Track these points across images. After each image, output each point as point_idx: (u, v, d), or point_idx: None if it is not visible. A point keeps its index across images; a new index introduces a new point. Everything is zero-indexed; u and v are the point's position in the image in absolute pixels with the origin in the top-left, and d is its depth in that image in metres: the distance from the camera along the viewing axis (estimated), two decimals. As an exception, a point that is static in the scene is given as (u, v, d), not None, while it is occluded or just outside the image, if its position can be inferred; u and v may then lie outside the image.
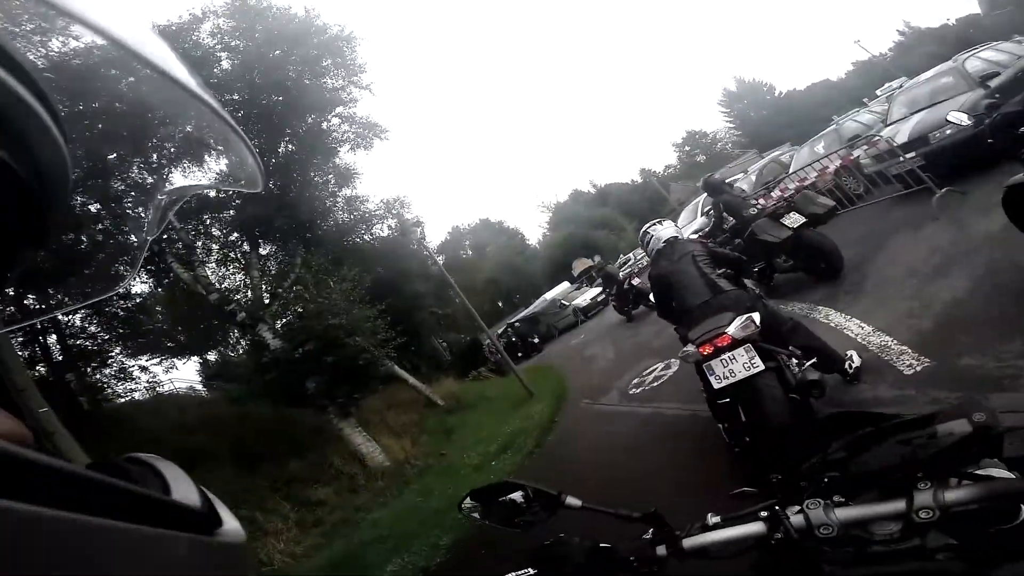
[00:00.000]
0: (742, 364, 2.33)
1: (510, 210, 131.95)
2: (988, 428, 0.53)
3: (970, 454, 0.57)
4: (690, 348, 2.50)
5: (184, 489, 0.29)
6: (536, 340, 16.33)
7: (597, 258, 30.38)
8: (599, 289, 17.43)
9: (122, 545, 0.20)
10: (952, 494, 0.56)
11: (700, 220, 11.72)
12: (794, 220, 4.48)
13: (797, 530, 0.62)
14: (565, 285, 22.42)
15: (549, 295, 19.47)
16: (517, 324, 18.25)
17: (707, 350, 2.40)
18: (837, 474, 0.63)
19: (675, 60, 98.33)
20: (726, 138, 51.32)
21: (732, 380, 2.36)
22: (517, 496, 0.87)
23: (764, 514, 0.67)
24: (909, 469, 0.58)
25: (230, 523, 0.30)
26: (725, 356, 2.37)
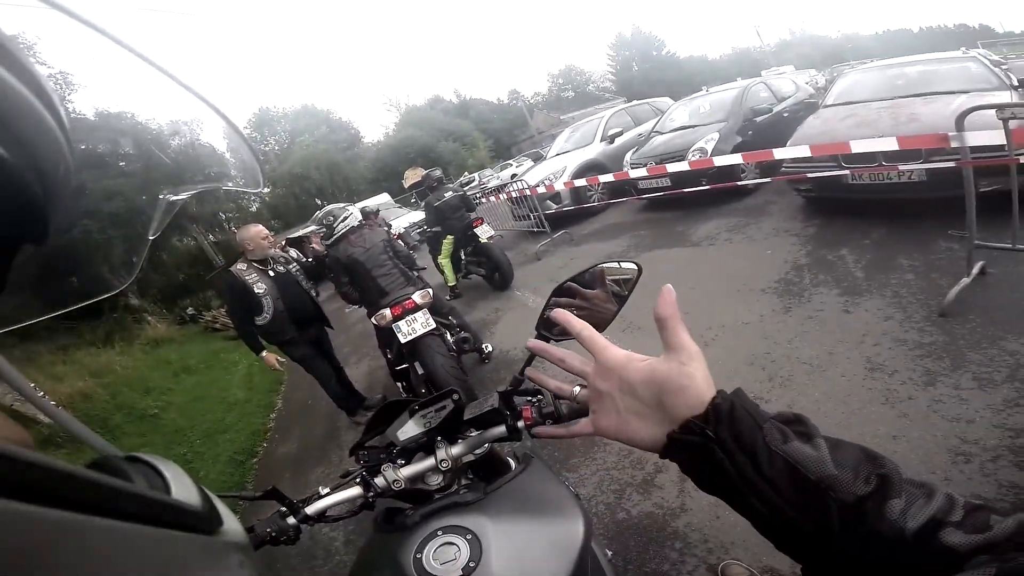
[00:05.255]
0: (421, 323, 3.37)
1: (350, 105, 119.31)
2: (460, 403, 0.94)
3: (460, 422, 0.94)
4: (386, 312, 3.38)
5: (184, 489, 0.31)
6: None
7: (438, 171, 29.35)
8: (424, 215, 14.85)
9: (122, 545, 0.22)
10: (456, 448, 0.92)
11: (599, 145, 8.72)
12: (485, 231, 6.08)
13: (380, 488, 0.92)
14: (385, 197, 20.15)
15: (356, 206, 14.65)
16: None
17: (397, 311, 3.36)
18: (396, 446, 0.97)
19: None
20: (600, 81, 56.14)
21: (414, 336, 3.35)
22: None
23: (358, 480, 0.95)
24: (431, 434, 0.94)
25: (231, 523, 0.33)
26: (409, 317, 3.37)
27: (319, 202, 26.45)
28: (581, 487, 2.55)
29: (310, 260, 4.27)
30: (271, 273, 3.77)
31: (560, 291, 0.93)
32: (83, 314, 11.67)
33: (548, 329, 0.91)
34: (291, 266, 3.93)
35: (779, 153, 4.44)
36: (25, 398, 4.36)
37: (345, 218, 3.71)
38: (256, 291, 3.65)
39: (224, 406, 6.54)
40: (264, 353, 3.89)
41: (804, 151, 4.19)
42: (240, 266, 3.72)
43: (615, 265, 0.91)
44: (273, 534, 0.88)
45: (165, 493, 0.31)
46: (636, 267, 0.91)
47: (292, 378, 6.88)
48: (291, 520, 0.91)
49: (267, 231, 3.89)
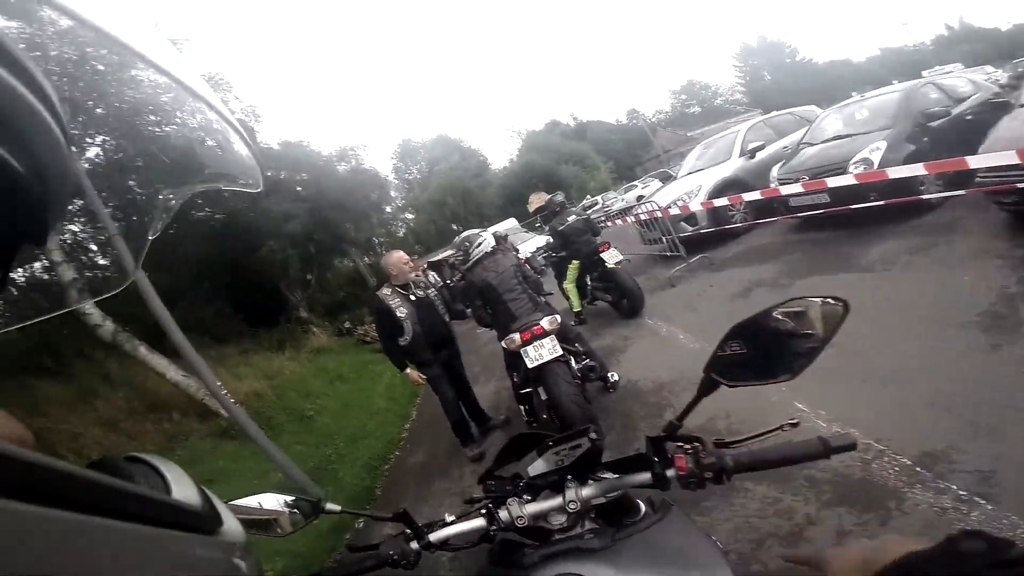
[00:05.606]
0: (548, 349, 3.35)
1: (478, 133, 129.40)
2: (597, 443, 0.86)
3: (595, 463, 0.89)
4: (515, 336, 3.41)
5: (184, 489, 0.31)
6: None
7: (560, 195, 29.62)
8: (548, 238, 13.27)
9: (122, 545, 0.22)
10: (587, 490, 0.86)
11: (738, 161, 7.96)
12: (612, 256, 5.84)
13: (504, 523, 0.88)
14: (512, 222, 20.14)
15: (488, 232, 13.79)
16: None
17: (526, 336, 3.38)
18: (523, 479, 0.91)
19: (693, 4, 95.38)
20: (728, 93, 52.97)
21: (540, 361, 3.34)
22: (279, 502, 1.01)
23: (483, 511, 0.92)
24: (561, 473, 0.88)
25: (230, 523, 0.33)
26: (536, 343, 3.36)
27: (455, 227, 28.19)
28: (711, 532, 2.22)
29: (449, 283, 4.46)
30: (412, 298, 4.01)
31: (738, 330, 0.79)
32: (263, 323, 13.64)
33: (720, 372, 0.80)
34: (430, 291, 4.14)
35: (974, 161, 3.66)
36: (212, 394, 4.93)
37: (480, 243, 3.85)
38: (398, 315, 3.91)
39: (367, 413, 7.09)
40: (408, 370, 4.12)
41: (1010, 157, 3.42)
42: (385, 291, 4.02)
43: (811, 300, 0.76)
44: (395, 556, 0.89)
45: (165, 493, 0.31)
46: (840, 303, 0.74)
47: (427, 391, 7.25)
48: (414, 545, 0.92)
49: (407, 256, 4.17)
